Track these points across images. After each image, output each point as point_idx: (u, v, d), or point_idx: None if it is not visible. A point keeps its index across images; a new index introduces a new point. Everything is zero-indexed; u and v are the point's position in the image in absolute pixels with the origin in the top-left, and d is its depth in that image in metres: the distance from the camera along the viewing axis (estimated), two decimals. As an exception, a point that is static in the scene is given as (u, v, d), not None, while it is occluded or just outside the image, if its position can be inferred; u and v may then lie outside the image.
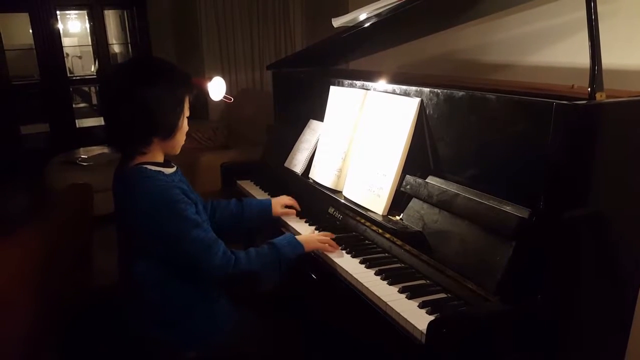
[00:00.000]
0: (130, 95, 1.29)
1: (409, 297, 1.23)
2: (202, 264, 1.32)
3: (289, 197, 1.85)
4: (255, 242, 2.32)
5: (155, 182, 1.32)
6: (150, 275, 1.36)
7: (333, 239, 1.56)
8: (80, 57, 6.24)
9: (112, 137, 1.39)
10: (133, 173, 1.34)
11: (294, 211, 1.83)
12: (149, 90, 1.30)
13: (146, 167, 1.34)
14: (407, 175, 1.49)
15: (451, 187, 1.36)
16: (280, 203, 1.82)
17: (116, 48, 5.89)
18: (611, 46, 1.50)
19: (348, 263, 1.44)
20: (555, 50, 1.91)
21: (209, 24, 4.52)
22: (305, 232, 1.66)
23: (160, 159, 1.41)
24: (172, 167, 1.44)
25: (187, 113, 1.41)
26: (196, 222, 1.33)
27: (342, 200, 1.69)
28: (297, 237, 1.52)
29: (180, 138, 1.42)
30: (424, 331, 1.07)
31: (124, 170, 1.37)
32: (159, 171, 1.36)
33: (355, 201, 1.63)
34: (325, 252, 1.51)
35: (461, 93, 1.35)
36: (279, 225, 1.83)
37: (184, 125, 1.41)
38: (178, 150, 1.44)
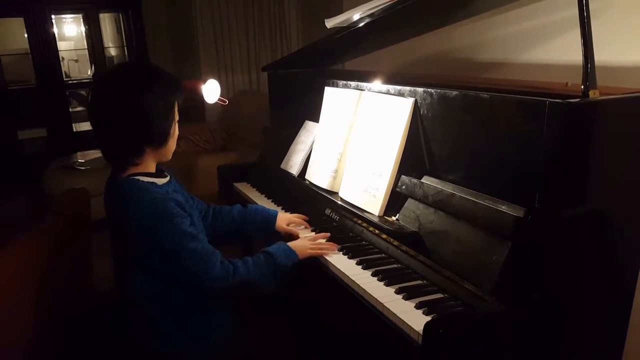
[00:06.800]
0: (120, 107, 1.26)
1: (406, 298, 1.23)
2: (203, 276, 1.30)
3: (298, 215, 1.76)
4: (253, 246, 2.33)
5: (149, 194, 1.29)
6: (146, 286, 1.33)
7: (329, 240, 1.56)
8: (76, 61, 6.21)
9: (105, 150, 1.35)
10: (126, 185, 1.30)
11: (297, 231, 1.70)
12: (139, 100, 1.26)
13: (138, 179, 1.31)
14: (403, 176, 1.49)
15: (447, 187, 1.36)
16: (286, 219, 1.74)
17: (112, 51, 5.87)
18: (604, 43, 1.50)
19: (345, 264, 1.44)
20: (548, 48, 1.90)
21: (204, 26, 4.53)
22: (302, 233, 1.66)
23: (152, 168, 1.38)
24: (165, 176, 1.41)
25: (176, 118, 1.38)
26: (192, 235, 1.30)
27: (339, 202, 1.69)
28: (289, 244, 1.49)
29: (172, 144, 1.39)
30: (421, 332, 1.07)
31: (116, 182, 1.33)
32: (152, 182, 1.33)
33: (352, 202, 1.63)
34: (323, 255, 1.51)
35: (455, 92, 1.35)
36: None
37: (175, 131, 1.38)
38: (170, 157, 1.41)
